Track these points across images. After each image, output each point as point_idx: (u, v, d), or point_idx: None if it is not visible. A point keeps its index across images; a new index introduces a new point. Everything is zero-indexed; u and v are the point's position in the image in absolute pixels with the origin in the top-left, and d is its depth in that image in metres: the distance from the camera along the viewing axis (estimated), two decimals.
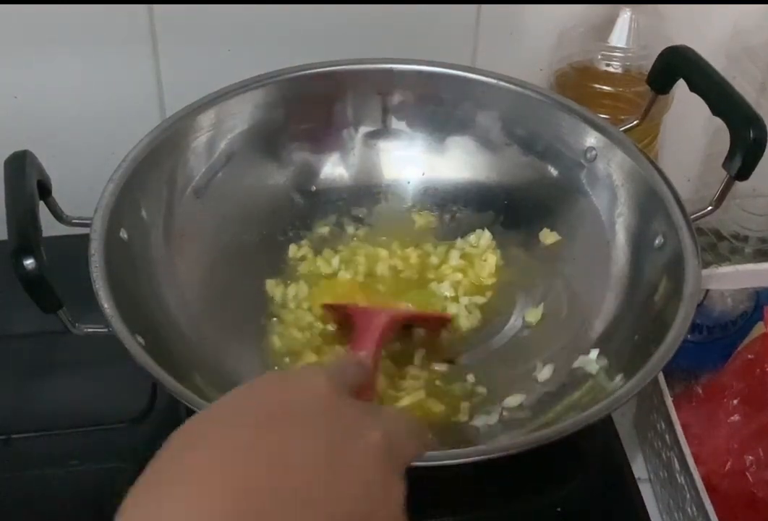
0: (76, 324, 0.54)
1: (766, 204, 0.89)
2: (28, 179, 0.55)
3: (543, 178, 0.71)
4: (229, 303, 0.67)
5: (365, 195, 0.74)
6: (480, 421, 0.61)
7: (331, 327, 0.66)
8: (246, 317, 0.67)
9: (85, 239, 0.57)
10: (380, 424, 0.38)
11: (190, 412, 0.51)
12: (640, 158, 0.65)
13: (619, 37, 0.76)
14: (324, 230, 0.73)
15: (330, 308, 0.65)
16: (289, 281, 0.69)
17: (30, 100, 0.77)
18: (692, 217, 0.61)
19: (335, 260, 0.71)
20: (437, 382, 0.64)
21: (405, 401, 0.61)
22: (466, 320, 0.67)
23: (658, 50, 0.65)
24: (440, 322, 0.66)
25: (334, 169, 0.74)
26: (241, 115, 0.69)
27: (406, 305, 0.67)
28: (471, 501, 0.60)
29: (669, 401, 0.62)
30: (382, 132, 0.74)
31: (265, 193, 0.72)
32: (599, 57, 0.77)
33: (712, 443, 0.62)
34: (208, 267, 0.67)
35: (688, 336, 0.57)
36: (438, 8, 0.76)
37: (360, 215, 0.74)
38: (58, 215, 0.60)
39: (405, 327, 0.64)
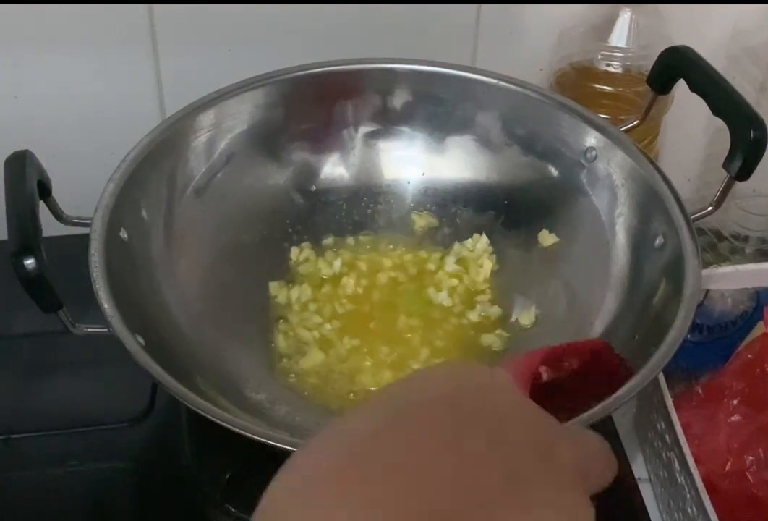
0: (76, 324, 0.54)
1: (766, 204, 0.89)
2: (28, 179, 0.55)
3: (543, 178, 0.71)
4: (230, 303, 0.67)
5: (365, 195, 0.74)
6: None
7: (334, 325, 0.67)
8: (246, 317, 0.67)
9: (85, 239, 0.57)
10: (571, 438, 0.33)
11: (190, 412, 0.51)
12: (640, 158, 0.65)
13: (619, 37, 0.76)
14: (328, 240, 0.73)
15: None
16: (291, 284, 0.70)
17: (30, 100, 0.77)
18: (692, 217, 0.61)
19: (337, 263, 0.71)
20: None
21: None
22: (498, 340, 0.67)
23: (658, 50, 0.65)
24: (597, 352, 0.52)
25: (334, 169, 0.74)
26: (241, 116, 0.69)
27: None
28: None
29: (669, 401, 0.62)
30: (382, 132, 0.74)
31: (265, 193, 0.72)
32: (599, 57, 0.77)
33: (712, 443, 0.62)
34: (208, 267, 0.67)
35: (688, 336, 0.57)
36: (438, 8, 0.76)
37: (359, 218, 0.74)
38: (58, 215, 0.60)
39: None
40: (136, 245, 0.62)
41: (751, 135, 0.57)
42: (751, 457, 0.60)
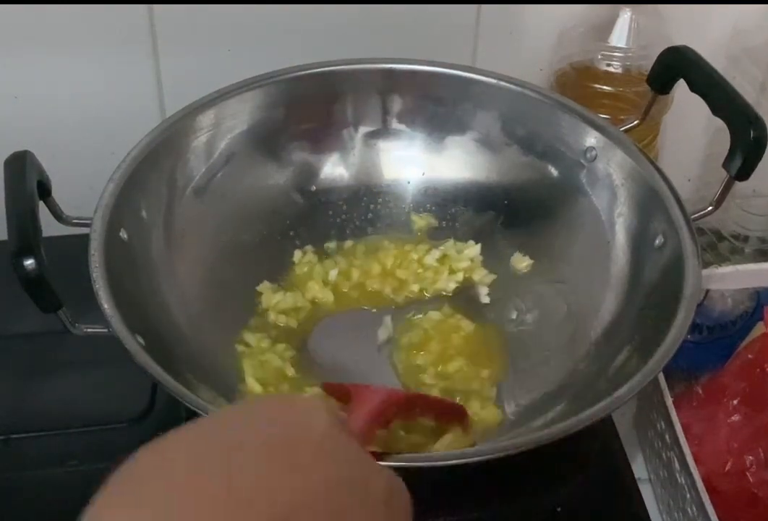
0: (76, 324, 0.54)
1: (766, 204, 0.89)
2: (28, 179, 0.55)
3: (543, 178, 0.71)
4: (229, 303, 0.67)
5: (365, 195, 0.74)
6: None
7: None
8: (246, 317, 0.67)
9: (85, 239, 0.57)
10: (386, 476, 0.35)
11: (189, 412, 0.51)
12: (640, 157, 0.65)
13: (619, 37, 0.76)
14: (330, 243, 0.73)
15: (330, 387, 0.57)
16: (280, 285, 0.69)
17: (30, 100, 0.77)
18: (692, 217, 0.61)
19: (333, 273, 0.70)
20: None
21: None
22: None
23: (658, 50, 0.65)
24: (455, 414, 0.57)
25: (334, 169, 0.74)
26: (241, 116, 0.69)
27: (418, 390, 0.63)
28: (471, 501, 0.60)
29: (669, 401, 0.62)
30: (382, 132, 0.74)
31: (265, 193, 0.72)
32: (599, 57, 0.77)
33: (712, 443, 0.62)
34: (208, 267, 0.67)
35: (688, 336, 0.57)
36: (438, 8, 0.76)
37: (358, 223, 0.74)
38: (58, 215, 0.60)
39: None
40: (136, 245, 0.62)
41: (751, 135, 0.57)
42: (751, 457, 0.60)
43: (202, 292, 0.66)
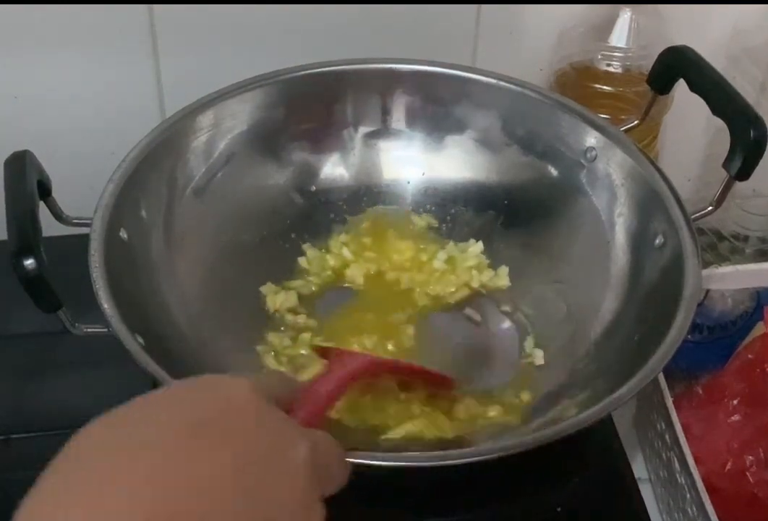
0: (76, 324, 0.54)
1: (766, 204, 0.89)
2: (28, 179, 0.55)
3: (543, 178, 0.71)
4: (229, 303, 0.66)
5: (365, 195, 0.74)
6: None
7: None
8: (246, 317, 0.67)
9: (85, 239, 0.57)
10: (308, 441, 0.35)
11: None
12: (640, 157, 0.65)
13: (619, 37, 0.76)
14: (330, 242, 0.73)
15: (320, 349, 0.59)
16: (282, 285, 0.69)
17: (30, 100, 0.77)
18: (692, 217, 0.61)
19: (345, 251, 0.71)
20: None
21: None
22: None
23: (658, 50, 0.65)
24: (442, 383, 0.60)
25: (334, 169, 0.74)
26: (240, 116, 0.69)
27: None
28: (471, 501, 0.60)
29: (669, 401, 0.62)
30: (382, 132, 0.74)
31: (265, 193, 0.72)
32: (599, 57, 0.77)
33: (712, 443, 0.62)
34: (208, 267, 0.67)
35: (688, 336, 0.57)
36: (438, 8, 0.76)
37: (360, 225, 0.74)
38: (58, 215, 0.60)
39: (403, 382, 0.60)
40: (136, 245, 0.62)
41: (751, 135, 0.57)
42: (751, 457, 0.61)
43: (202, 292, 0.66)
